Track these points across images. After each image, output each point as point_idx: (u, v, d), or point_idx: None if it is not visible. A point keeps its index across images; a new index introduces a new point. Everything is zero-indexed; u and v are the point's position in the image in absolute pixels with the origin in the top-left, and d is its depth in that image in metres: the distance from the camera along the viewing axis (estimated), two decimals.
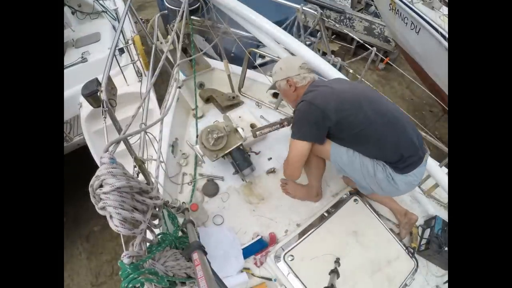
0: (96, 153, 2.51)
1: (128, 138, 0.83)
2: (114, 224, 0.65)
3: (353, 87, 1.38)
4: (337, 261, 1.42)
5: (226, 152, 1.65)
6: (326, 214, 1.60)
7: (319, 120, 1.26)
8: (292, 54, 1.74)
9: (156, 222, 0.84)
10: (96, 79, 0.98)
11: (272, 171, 1.80)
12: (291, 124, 1.52)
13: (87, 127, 2.62)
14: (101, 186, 0.64)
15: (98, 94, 0.86)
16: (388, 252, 1.52)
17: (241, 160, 1.68)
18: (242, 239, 1.51)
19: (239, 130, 1.69)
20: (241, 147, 1.70)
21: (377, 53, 2.06)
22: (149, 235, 0.86)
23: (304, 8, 2.07)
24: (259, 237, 1.50)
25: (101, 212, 0.66)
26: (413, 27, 3.46)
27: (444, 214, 1.67)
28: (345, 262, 1.43)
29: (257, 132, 1.66)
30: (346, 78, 1.58)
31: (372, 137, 1.26)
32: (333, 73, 1.61)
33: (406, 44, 3.87)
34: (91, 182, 0.65)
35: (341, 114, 1.24)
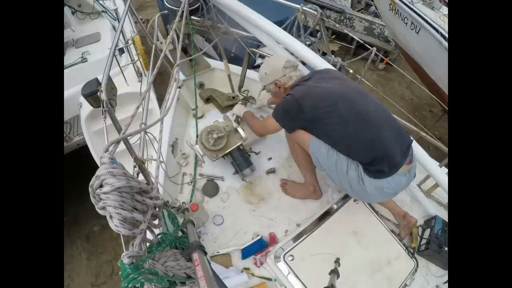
0: (96, 153, 2.51)
1: (128, 138, 0.83)
2: (114, 224, 0.65)
3: (339, 84, 1.38)
4: (337, 261, 1.42)
5: (226, 152, 1.65)
6: (326, 214, 1.60)
7: (294, 112, 1.33)
8: (292, 54, 1.74)
9: (156, 222, 0.84)
10: (96, 79, 0.98)
11: (272, 171, 1.80)
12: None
13: (87, 127, 2.62)
14: (101, 186, 0.64)
15: (98, 94, 0.86)
16: (388, 252, 1.52)
17: (241, 160, 1.68)
18: (242, 239, 1.51)
19: (239, 130, 1.69)
20: (241, 147, 1.70)
21: (377, 53, 2.06)
22: (149, 235, 0.86)
23: (304, 8, 2.06)
24: (259, 237, 1.50)
25: (101, 212, 0.66)
26: (413, 27, 3.46)
27: (444, 214, 1.67)
28: (345, 262, 1.42)
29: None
30: (339, 73, 1.57)
31: (343, 137, 1.28)
32: None
33: (406, 44, 3.87)
34: (91, 182, 0.65)
35: (316, 111, 1.29)
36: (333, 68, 1.69)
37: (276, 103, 1.50)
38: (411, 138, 1.38)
